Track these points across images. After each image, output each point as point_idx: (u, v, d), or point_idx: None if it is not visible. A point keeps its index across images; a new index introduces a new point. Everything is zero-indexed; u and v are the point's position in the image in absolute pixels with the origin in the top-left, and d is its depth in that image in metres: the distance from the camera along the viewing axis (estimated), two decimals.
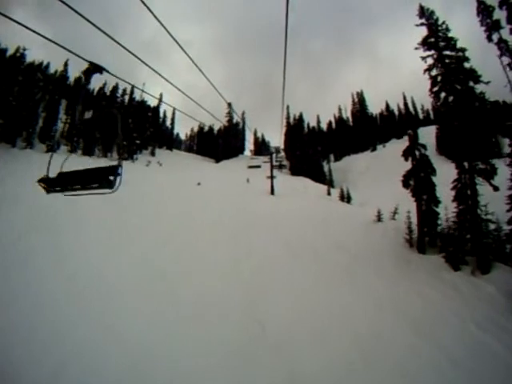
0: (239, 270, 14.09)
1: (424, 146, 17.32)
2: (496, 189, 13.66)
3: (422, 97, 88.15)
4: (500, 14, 12.96)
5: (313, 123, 73.25)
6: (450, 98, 15.28)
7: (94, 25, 4.10)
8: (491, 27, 13.04)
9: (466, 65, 14.91)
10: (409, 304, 11.38)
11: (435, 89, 15.84)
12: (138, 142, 50.62)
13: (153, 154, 56.15)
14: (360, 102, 70.32)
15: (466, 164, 14.56)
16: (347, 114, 73.77)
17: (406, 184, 17.20)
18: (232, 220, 21.72)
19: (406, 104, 67.86)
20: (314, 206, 29.81)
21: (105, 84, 53.41)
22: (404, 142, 58.63)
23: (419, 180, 16.47)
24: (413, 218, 17.19)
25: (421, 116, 68.61)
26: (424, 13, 16.62)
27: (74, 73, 52.33)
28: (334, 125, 75.06)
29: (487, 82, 14.25)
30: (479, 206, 13.84)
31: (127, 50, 4.74)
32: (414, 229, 16.94)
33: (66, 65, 50.25)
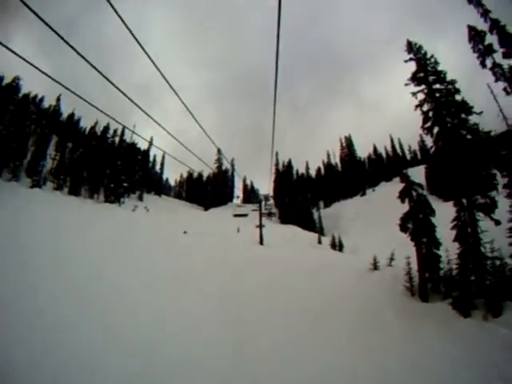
0: (224, 339, 11.76)
1: (421, 186, 16.51)
2: (498, 223, 12.67)
3: (408, 138, 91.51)
4: (490, 38, 12.99)
5: (302, 170, 74.11)
6: (443, 133, 14.84)
7: (89, 62, 4.23)
8: (484, 52, 12.94)
9: (457, 97, 14.57)
10: (421, 363, 9.74)
11: (428, 124, 15.42)
12: (125, 185, 49.58)
13: (141, 198, 55.16)
14: (348, 147, 71.78)
15: (464, 201, 13.75)
16: (336, 159, 75.10)
17: (403, 227, 16.11)
18: (216, 273, 19.88)
19: (393, 146, 69.50)
20: (304, 255, 28.74)
21: (96, 123, 52.72)
22: (393, 185, 59.13)
23: (418, 222, 15.43)
24: (412, 264, 16.02)
25: (408, 157, 69.79)
26: (412, 48, 16.51)
27: (67, 109, 52.77)
28: (322, 171, 75.95)
29: (480, 113, 13.80)
30: (482, 244, 12.79)
31: (121, 91, 4.84)
32: (414, 275, 15.64)
33: (58, 99, 49.89)
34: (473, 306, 11.89)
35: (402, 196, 16.70)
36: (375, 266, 20.58)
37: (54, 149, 43.42)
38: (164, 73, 4.96)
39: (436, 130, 15.40)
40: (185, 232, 34.06)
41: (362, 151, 73.66)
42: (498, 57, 12.93)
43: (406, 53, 17.19)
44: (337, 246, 36.33)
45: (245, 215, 35.71)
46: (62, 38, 3.88)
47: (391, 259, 21.00)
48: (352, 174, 65.81)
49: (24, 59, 4.08)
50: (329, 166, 74.93)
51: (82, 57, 4.15)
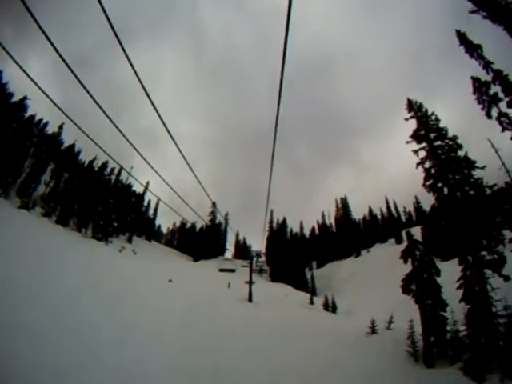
0: None
1: (425, 245, 15.91)
2: (507, 279, 11.87)
3: (403, 200, 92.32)
4: (493, 89, 13.26)
5: (296, 229, 73.05)
6: (446, 190, 14.64)
7: (95, 100, 4.27)
8: (490, 102, 13.13)
9: (460, 152, 14.64)
10: None
11: (430, 182, 15.30)
12: (115, 224, 48.44)
13: (130, 240, 53.27)
14: (344, 208, 71.60)
15: (470, 258, 13.08)
16: (331, 219, 74.45)
17: (406, 289, 15.16)
18: (199, 331, 17.96)
19: (388, 207, 69.18)
20: (297, 316, 27.03)
21: (95, 158, 51.71)
22: (388, 246, 58.00)
23: (422, 283, 14.56)
24: (415, 326, 14.79)
25: (403, 218, 69.29)
26: (412, 106, 17.00)
27: (69, 139, 51.62)
28: (317, 231, 75.05)
29: (483, 167, 13.75)
30: (493, 302, 11.86)
31: (123, 134, 4.90)
32: (417, 339, 14.34)
33: (60, 127, 48.89)
34: (487, 369, 10.64)
35: (405, 255, 16.02)
36: (373, 330, 19.21)
37: (50, 175, 42.97)
38: (167, 119, 4.98)
39: (438, 186, 15.28)
40: (170, 280, 32.35)
41: (358, 212, 73.22)
42: (502, 107, 13.17)
43: (405, 112, 17.67)
44: (330, 307, 34.31)
45: (232, 270, 33.74)
46: (73, 73, 3.95)
47: (390, 322, 19.67)
48: (347, 235, 64.94)
49: (36, 83, 4.16)
50: (323, 226, 74.30)
51: (89, 94, 4.17)
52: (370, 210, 70.72)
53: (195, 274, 43.55)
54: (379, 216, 69.62)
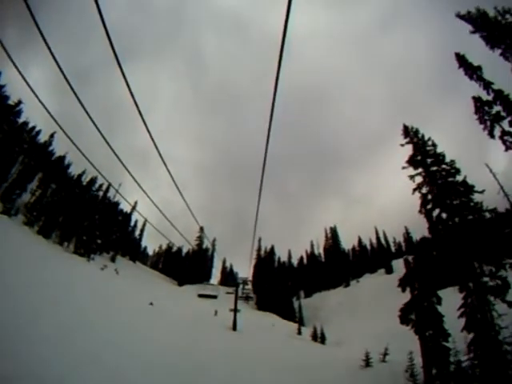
0: None
1: (426, 271, 15.19)
2: (511, 305, 11.30)
3: (393, 229, 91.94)
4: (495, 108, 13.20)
5: (284, 258, 71.90)
6: (444, 215, 14.33)
7: (89, 115, 4.31)
8: (493, 120, 13.01)
9: (458, 177, 14.54)
10: None
11: (428, 207, 14.95)
12: (99, 241, 46.84)
13: (113, 259, 51.26)
14: (333, 238, 71.12)
15: (471, 284, 12.52)
16: (319, 249, 73.47)
17: (404, 319, 14.41)
18: (178, 361, 16.13)
19: (378, 238, 68.49)
20: (284, 347, 25.77)
21: (84, 172, 50.47)
22: (378, 276, 56.91)
23: (422, 312, 13.83)
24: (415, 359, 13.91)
25: (393, 249, 68.77)
26: (408, 132, 17.05)
27: (59, 150, 50.31)
28: (305, 260, 73.73)
29: (482, 191, 13.63)
30: (499, 330, 11.19)
31: (112, 149, 4.93)
32: (417, 372, 13.43)
33: (51, 136, 47.74)
34: None
35: (404, 284, 15.35)
36: (368, 363, 18.12)
37: (37, 184, 41.91)
38: (160, 142, 5.10)
39: (436, 212, 14.99)
40: (151, 303, 30.70)
41: (347, 243, 72.31)
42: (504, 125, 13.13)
43: (397, 140, 17.84)
44: (319, 337, 33.03)
45: (213, 297, 31.78)
46: (69, 84, 3.95)
47: (385, 354, 18.69)
48: (336, 265, 63.95)
49: (32, 90, 4.21)
50: (312, 255, 73.17)
51: (83, 106, 4.20)
52: (360, 241, 70.18)
53: (178, 298, 41.75)
54: (369, 246, 69.06)
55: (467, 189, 14.03)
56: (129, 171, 5.38)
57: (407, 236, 67.33)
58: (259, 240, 67.05)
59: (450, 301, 13.95)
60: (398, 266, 54.86)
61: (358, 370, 17.94)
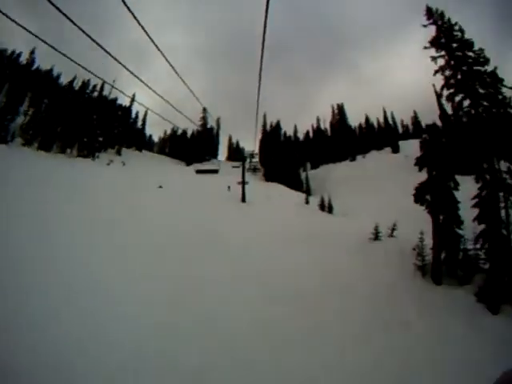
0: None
1: (441, 155, 14.29)
2: None
3: (401, 112, 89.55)
4: None
5: (290, 133, 70.77)
6: (466, 102, 13.25)
7: (68, 18, 3.79)
8: None
9: (486, 67, 13.20)
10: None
11: (451, 90, 13.56)
12: (101, 139, 46.45)
13: (119, 153, 52.26)
14: (340, 114, 68.99)
15: (487, 177, 11.98)
16: (326, 125, 72.21)
17: (419, 199, 14.33)
18: (187, 237, 17.92)
19: (385, 118, 66.79)
20: (293, 217, 26.60)
21: (74, 78, 48.30)
22: (385, 154, 56.52)
23: (438, 195, 13.55)
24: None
25: (400, 130, 68.28)
26: (432, 14, 15.08)
27: (46, 65, 47.54)
28: (311, 134, 72.94)
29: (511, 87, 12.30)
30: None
31: (100, 45, 4.27)
32: (425, 253, 14.02)
33: (32, 52, 44.76)
34: (502, 298, 10.40)
35: (421, 163, 14.64)
36: (376, 236, 19.08)
37: (28, 105, 39.84)
38: (154, 31, 4.73)
39: (459, 98, 13.49)
40: (160, 186, 32.02)
41: (354, 121, 70.32)
42: None
43: (411, 25, 15.72)
44: (326, 207, 34.08)
45: (214, 171, 31.14)
46: None
47: (393, 229, 19.60)
48: (342, 140, 63.59)
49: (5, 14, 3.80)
50: (318, 130, 71.96)
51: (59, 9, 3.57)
52: (367, 119, 68.31)
53: (188, 177, 42.30)
54: (376, 125, 67.44)
55: (496, 80, 12.69)
56: (120, 62, 4.87)
57: (415, 120, 66.00)
58: (264, 115, 66.24)
59: (466, 189, 13.57)
60: (404, 146, 54.22)
61: (366, 243, 18.83)
